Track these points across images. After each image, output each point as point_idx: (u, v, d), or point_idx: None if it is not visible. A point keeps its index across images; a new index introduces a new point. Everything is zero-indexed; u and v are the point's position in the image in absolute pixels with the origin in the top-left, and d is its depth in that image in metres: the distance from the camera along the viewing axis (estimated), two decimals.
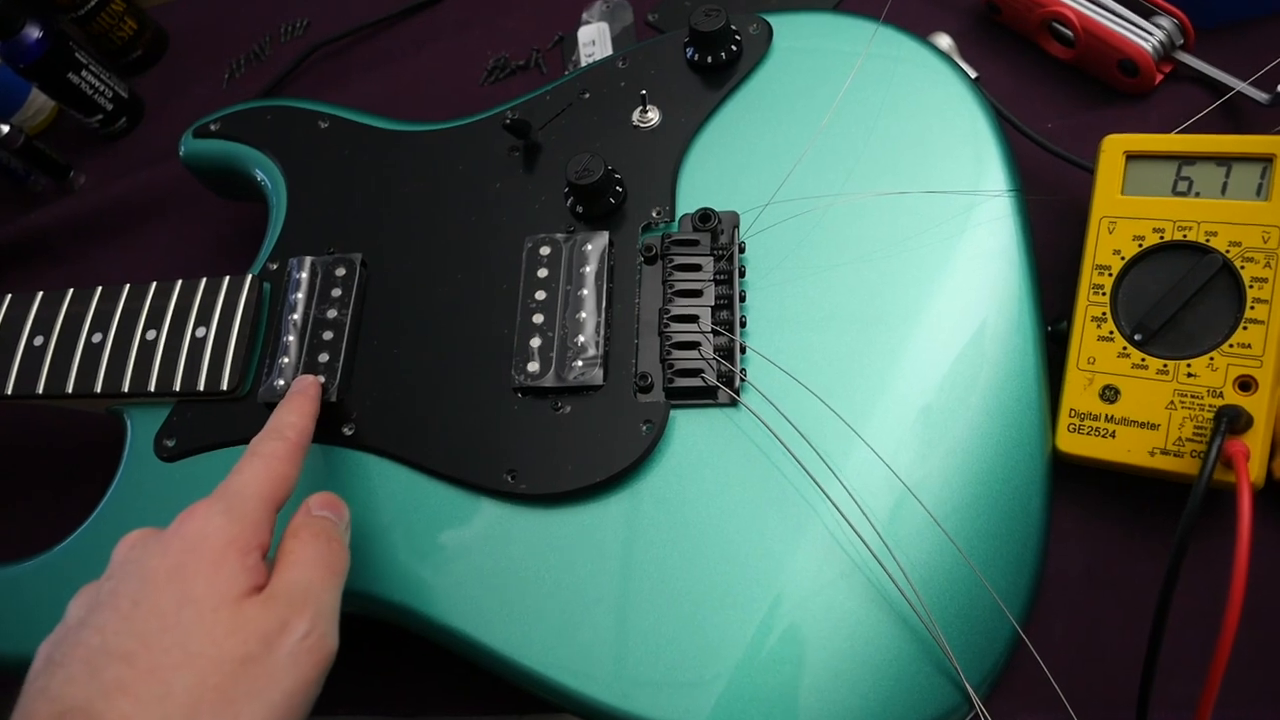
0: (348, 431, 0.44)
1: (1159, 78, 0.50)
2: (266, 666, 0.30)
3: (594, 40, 0.60)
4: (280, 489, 0.36)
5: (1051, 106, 0.52)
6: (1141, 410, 0.41)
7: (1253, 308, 0.39)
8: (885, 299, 0.43)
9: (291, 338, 0.46)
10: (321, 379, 0.44)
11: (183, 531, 0.33)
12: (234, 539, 0.32)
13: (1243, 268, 0.40)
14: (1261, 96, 0.47)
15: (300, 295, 0.48)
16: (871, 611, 0.38)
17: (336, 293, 0.47)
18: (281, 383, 0.45)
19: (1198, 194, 0.41)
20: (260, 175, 0.53)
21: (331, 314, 0.47)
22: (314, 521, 0.36)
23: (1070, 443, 0.42)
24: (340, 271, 0.48)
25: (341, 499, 0.38)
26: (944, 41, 0.52)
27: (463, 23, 0.67)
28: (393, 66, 0.66)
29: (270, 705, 0.30)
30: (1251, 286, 0.39)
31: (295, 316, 0.47)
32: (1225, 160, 0.41)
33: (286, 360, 0.46)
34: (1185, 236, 0.41)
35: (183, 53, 0.73)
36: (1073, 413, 0.42)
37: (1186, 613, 0.39)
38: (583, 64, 0.60)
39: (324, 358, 0.46)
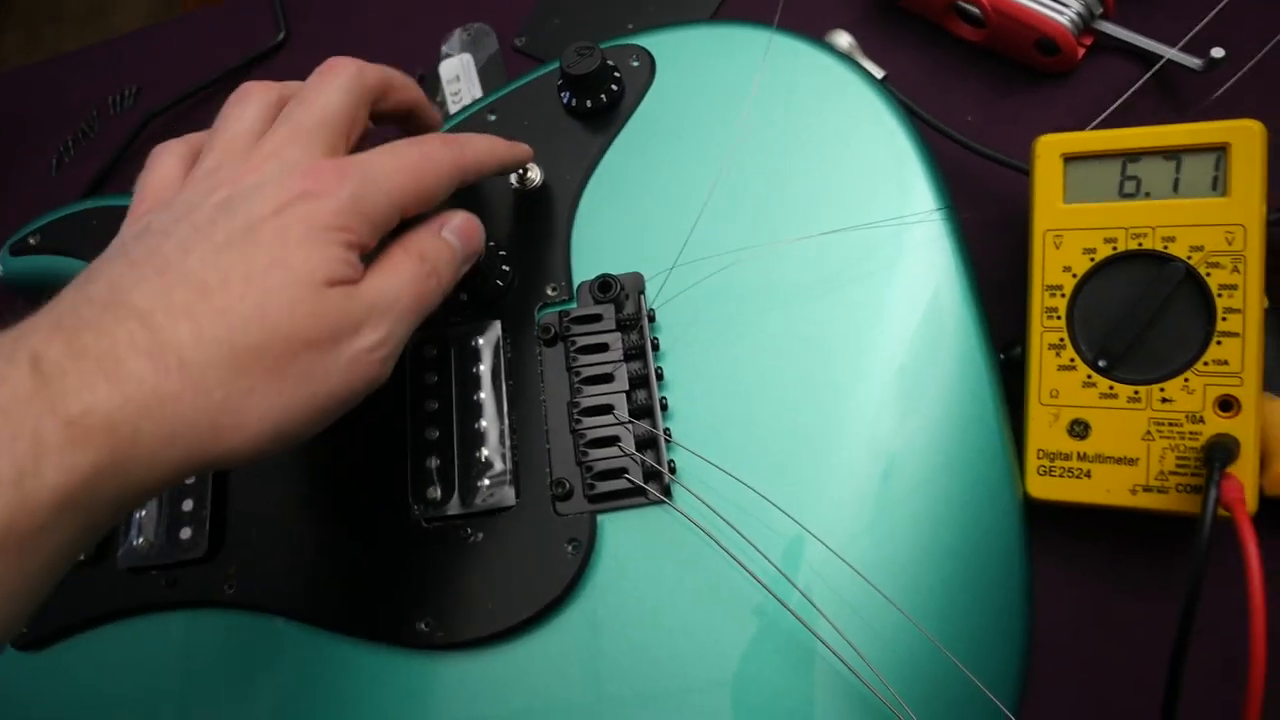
0: (229, 590, 0.38)
1: (1081, 52, 0.46)
2: (325, 361, 0.28)
3: (458, 75, 0.54)
4: (415, 199, 0.32)
5: (969, 96, 0.48)
6: (1116, 444, 0.36)
7: (1224, 319, 0.35)
8: (815, 353, 0.38)
9: None
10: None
11: (298, 188, 0.29)
12: (346, 226, 0.29)
13: (1208, 275, 0.35)
14: (1194, 62, 0.43)
15: None
16: None
17: None
18: (142, 540, 0.39)
19: (1148, 194, 0.37)
20: None
21: None
22: (432, 242, 0.33)
23: (1042, 487, 0.37)
24: None
25: (482, 229, 0.35)
26: (843, 40, 0.47)
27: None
28: None
29: (311, 398, 0.28)
30: (1220, 295, 0.35)
31: None
32: (1174, 153, 0.36)
33: (144, 512, 0.40)
34: (1141, 245, 0.36)
35: (2, 138, 0.65)
36: (1041, 453, 0.38)
37: (1193, 654, 0.35)
38: (449, 106, 0.54)
39: (188, 505, 0.39)
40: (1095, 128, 0.42)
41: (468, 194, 0.43)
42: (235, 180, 0.30)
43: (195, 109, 0.61)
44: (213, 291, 0.27)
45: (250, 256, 0.28)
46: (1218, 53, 0.42)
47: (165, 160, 0.33)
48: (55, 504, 0.23)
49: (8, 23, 1.60)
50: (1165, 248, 0.36)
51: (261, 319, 0.27)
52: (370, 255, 0.31)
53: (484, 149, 0.36)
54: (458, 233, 0.34)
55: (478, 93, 0.54)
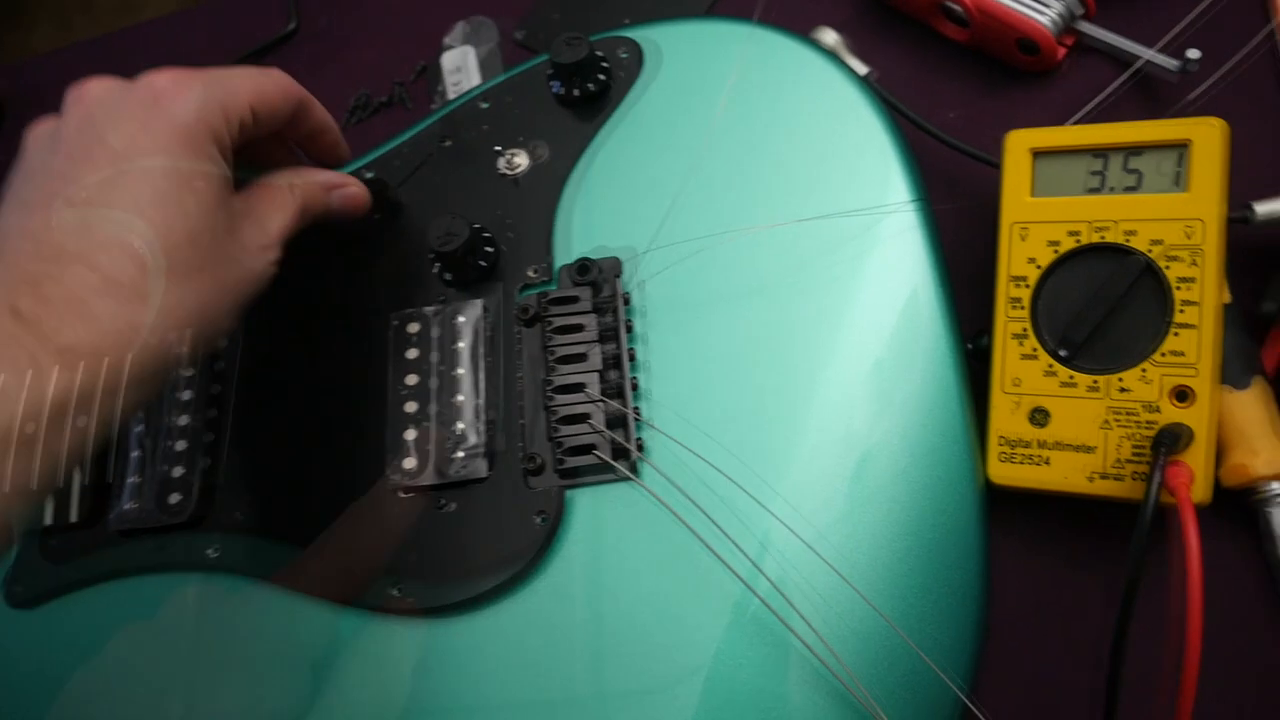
0: (212, 554, 0.40)
1: (1061, 53, 0.47)
2: (229, 248, 0.33)
3: (459, 67, 0.55)
4: (262, 106, 0.36)
5: (952, 94, 0.48)
6: (1074, 432, 0.37)
7: (1181, 311, 0.36)
8: (787, 338, 0.39)
9: (138, 453, 0.42)
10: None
11: (154, 89, 0.33)
12: (205, 115, 0.33)
13: (1167, 268, 0.36)
14: (1171, 64, 0.44)
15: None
16: (807, 695, 0.35)
17: (186, 396, 0.42)
18: (132, 505, 0.41)
19: (1112, 189, 0.38)
20: None
21: (183, 420, 0.42)
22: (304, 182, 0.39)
23: (1002, 473, 0.38)
24: (188, 371, 0.43)
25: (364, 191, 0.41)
26: (829, 37, 0.48)
27: (317, 59, 0.61)
28: None
29: (223, 285, 0.33)
30: (1178, 288, 0.36)
31: (141, 428, 0.42)
32: (1138, 150, 0.37)
33: (135, 479, 0.41)
34: (1103, 238, 0.37)
35: (21, 122, 0.67)
36: (1002, 440, 0.38)
37: (1145, 639, 0.36)
38: (449, 95, 0.55)
39: (177, 471, 0.41)
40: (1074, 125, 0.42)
41: (454, 181, 0.44)
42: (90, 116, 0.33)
43: None
44: (131, 215, 0.30)
45: (137, 174, 0.31)
46: (1193, 54, 0.42)
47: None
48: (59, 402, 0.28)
49: (40, 14, 1.64)
50: (1127, 241, 0.37)
51: (173, 229, 0.31)
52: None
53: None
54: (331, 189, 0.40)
55: (477, 83, 0.55)
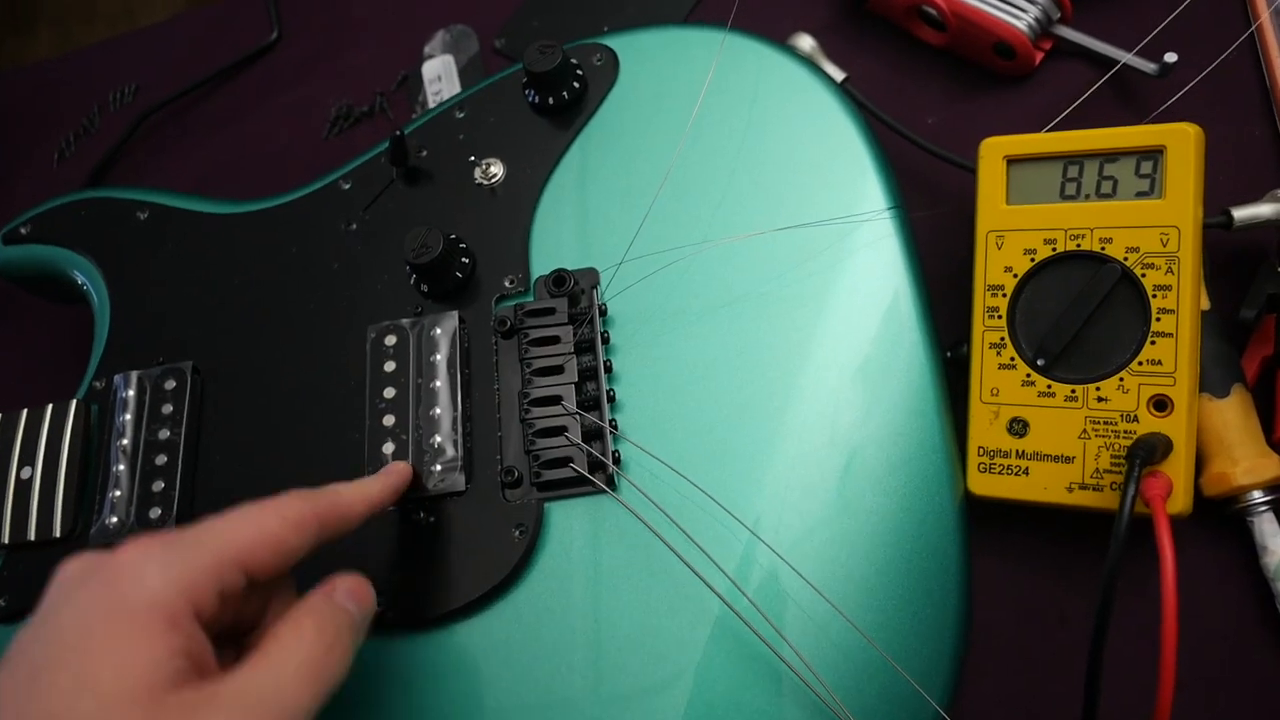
0: None
1: (1039, 56, 0.46)
2: None
3: (440, 76, 0.55)
4: (264, 555, 0.27)
5: (931, 99, 0.48)
6: (1053, 442, 0.37)
7: (1159, 319, 0.36)
8: (764, 349, 0.39)
9: (121, 467, 0.42)
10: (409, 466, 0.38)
11: (105, 571, 0.25)
12: (162, 600, 0.24)
13: (1144, 275, 0.36)
14: (1149, 67, 0.43)
15: (128, 416, 0.43)
16: (786, 709, 0.35)
17: (168, 409, 0.42)
18: (115, 519, 0.41)
19: (1087, 196, 0.38)
20: (81, 279, 0.48)
21: (164, 434, 0.42)
22: (326, 610, 0.28)
23: (982, 484, 0.38)
24: (170, 384, 0.43)
25: (371, 587, 0.31)
26: (805, 43, 0.47)
27: (300, 69, 0.61)
28: (233, 126, 0.60)
29: None
30: (1155, 296, 0.36)
31: (124, 441, 0.42)
32: (1112, 156, 0.37)
33: (118, 493, 0.41)
34: (1079, 246, 0.37)
35: (8, 133, 0.67)
36: (981, 451, 0.38)
37: (1126, 650, 0.36)
38: (430, 104, 0.55)
39: (159, 485, 0.41)
40: (1051, 131, 0.42)
41: (426, 184, 0.44)
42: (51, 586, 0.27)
43: (189, 107, 0.63)
44: None
45: (55, 686, 0.23)
46: (1170, 57, 0.42)
47: None
48: None
49: (41, 19, 1.64)
50: (1102, 249, 0.37)
51: None
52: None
53: (352, 496, 0.33)
54: (351, 596, 0.30)
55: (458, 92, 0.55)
